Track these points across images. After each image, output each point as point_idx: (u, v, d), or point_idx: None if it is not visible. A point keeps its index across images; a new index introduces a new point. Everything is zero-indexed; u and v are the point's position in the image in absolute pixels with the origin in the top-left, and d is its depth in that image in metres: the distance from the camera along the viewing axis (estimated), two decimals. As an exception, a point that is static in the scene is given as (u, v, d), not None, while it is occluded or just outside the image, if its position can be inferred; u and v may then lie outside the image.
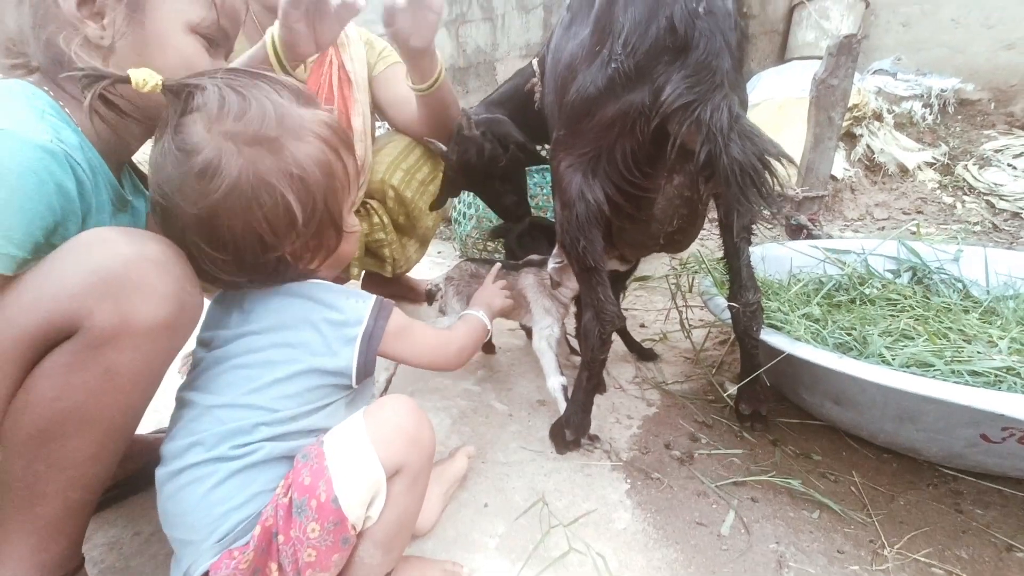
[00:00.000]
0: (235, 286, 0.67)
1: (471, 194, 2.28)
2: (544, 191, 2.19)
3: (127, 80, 0.57)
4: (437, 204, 1.48)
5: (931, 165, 2.86)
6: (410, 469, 0.64)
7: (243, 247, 0.62)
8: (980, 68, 3.12)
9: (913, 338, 1.03)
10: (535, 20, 4.07)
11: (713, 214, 1.06)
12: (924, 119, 3.01)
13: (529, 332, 1.33)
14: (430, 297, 1.30)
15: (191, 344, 0.69)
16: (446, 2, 1.08)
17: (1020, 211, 2.51)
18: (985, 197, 2.64)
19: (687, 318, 1.47)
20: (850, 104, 2.44)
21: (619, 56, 0.79)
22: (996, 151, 2.81)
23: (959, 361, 0.92)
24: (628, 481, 0.99)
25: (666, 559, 0.82)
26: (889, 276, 1.42)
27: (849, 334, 1.06)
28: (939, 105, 3.04)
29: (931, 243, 1.46)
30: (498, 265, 1.20)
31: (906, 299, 1.25)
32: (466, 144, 1.27)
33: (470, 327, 0.94)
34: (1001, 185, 2.64)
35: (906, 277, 1.42)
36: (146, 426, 0.77)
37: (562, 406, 1.08)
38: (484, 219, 2.28)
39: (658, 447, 1.08)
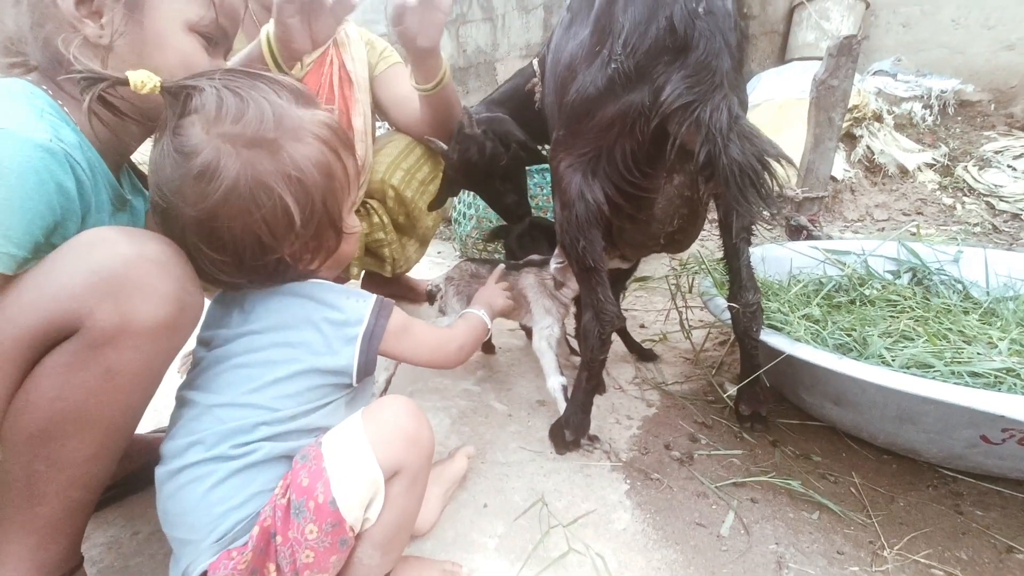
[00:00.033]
0: (235, 287, 0.67)
1: (471, 194, 2.29)
2: (544, 191, 2.19)
3: (125, 82, 0.57)
4: (437, 204, 1.48)
5: (931, 166, 2.86)
6: (409, 470, 0.64)
7: (242, 248, 0.62)
8: (980, 69, 3.12)
9: (913, 339, 1.03)
10: (535, 20, 4.07)
11: (713, 215, 1.06)
12: (924, 120, 3.01)
13: (529, 332, 1.33)
14: (430, 297, 1.30)
15: (191, 343, 0.69)
16: (447, 2, 1.09)
17: (1020, 212, 2.51)
18: (985, 198, 2.64)
19: (687, 319, 1.47)
20: (850, 105, 2.44)
21: (619, 56, 0.79)
22: (996, 152, 2.81)
23: (959, 362, 0.92)
24: (628, 482, 0.99)
25: (666, 560, 0.82)
26: (889, 277, 1.42)
27: (849, 335, 1.06)
28: (939, 106, 3.04)
29: (931, 244, 1.46)
30: (502, 266, 1.20)
31: (906, 300, 1.25)
32: (467, 142, 1.27)
33: (470, 326, 0.94)
34: (1001, 186, 2.64)
35: (906, 278, 1.42)
36: (145, 425, 0.77)
37: (562, 406, 1.08)
38: (484, 219, 2.28)
39: (658, 448, 1.08)
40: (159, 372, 0.63)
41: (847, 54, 1.79)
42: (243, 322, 0.66)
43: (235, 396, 0.62)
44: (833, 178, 2.66)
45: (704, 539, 0.85)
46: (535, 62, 1.34)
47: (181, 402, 0.66)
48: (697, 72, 0.74)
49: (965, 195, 2.71)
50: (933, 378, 0.87)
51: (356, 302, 0.69)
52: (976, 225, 2.50)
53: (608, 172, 0.89)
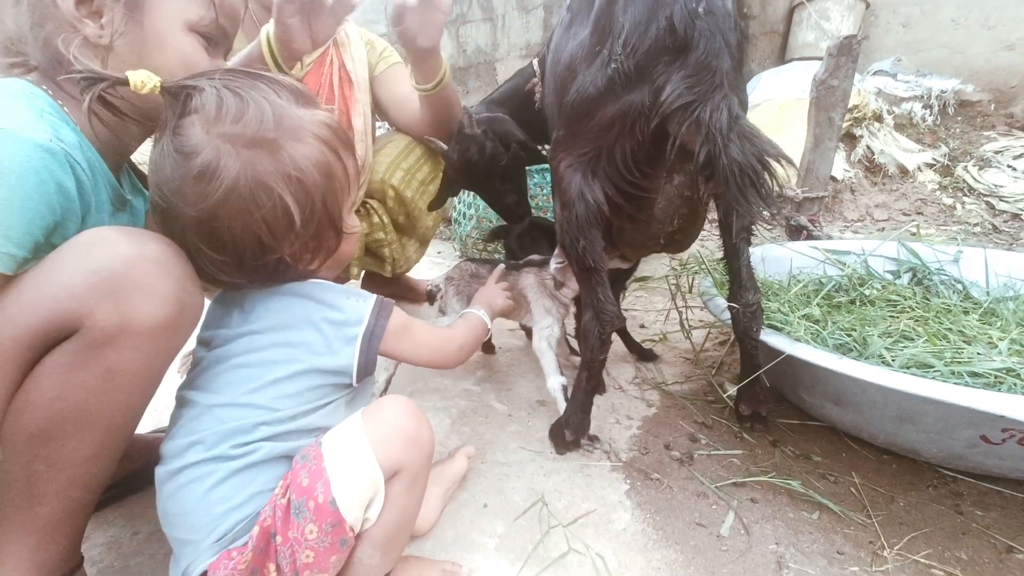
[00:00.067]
0: (235, 287, 0.67)
1: (471, 194, 2.29)
2: (544, 191, 2.19)
3: (125, 82, 0.57)
4: (437, 204, 1.48)
5: (931, 166, 2.86)
6: (409, 470, 0.64)
7: (242, 248, 0.62)
8: (980, 69, 3.12)
9: (913, 339, 1.03)
10: (535, 20, 4.07)
11: (713, 215, 1.06)
12: (924, 120, 3.01)
13: (529, 332, 1.33)
14: (431, 297, 1.30)
15: (191, 343, 0.69)
16: (447, 2, 1.10)
17: (1020, 212, 2.51)
18: (985, 198, 2.64)
19: (687, 319, 1.47)
20: (850, 105, 2.44)
21: (619, 56, 0.79)
22: (996, 152, 2.81)
23: (959, 362, 0.92)
24: (628, 482, 0.99)
25: (665, 560, 0.81)
26: (889, 277, 1.42)
27: (849, 335, 1.06)
28: (939, 106, 3.04)
29: (931, 244, 1.46)
30: (501, 266, 1.20)
31: (906, 300, 1.25)
32: (467, 142, 1.27)
33: (470, 325, 0.94)
34: (1001, 186, 2.64)
35: (906, 278, 1.42)
36: (145, 425, 0.77)
37: (562, 406, 1.08)
38: (484, 219, 2.28)
39: (658, 448, 1.08)
40: (159, 372, 0.63)
41: (847, 54, 1.79)
42: (243, 322, 0.66)
43: (235, 396, 0.62)
44: (833, 178, 2.66)
45: (704, 539, 0.85)
46: (535, 62, 1.34)
47: (181, 402, 0.66)
48: (697, 72, 0.74)
49: (965, 195, 2.71)
50: (933, 378, 0.87)
51: (356, 302, 0.69)
52: (976, 225, 2.50)
53: (608, 172, 0.89)
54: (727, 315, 1.04)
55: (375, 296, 0.71)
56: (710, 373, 1.35)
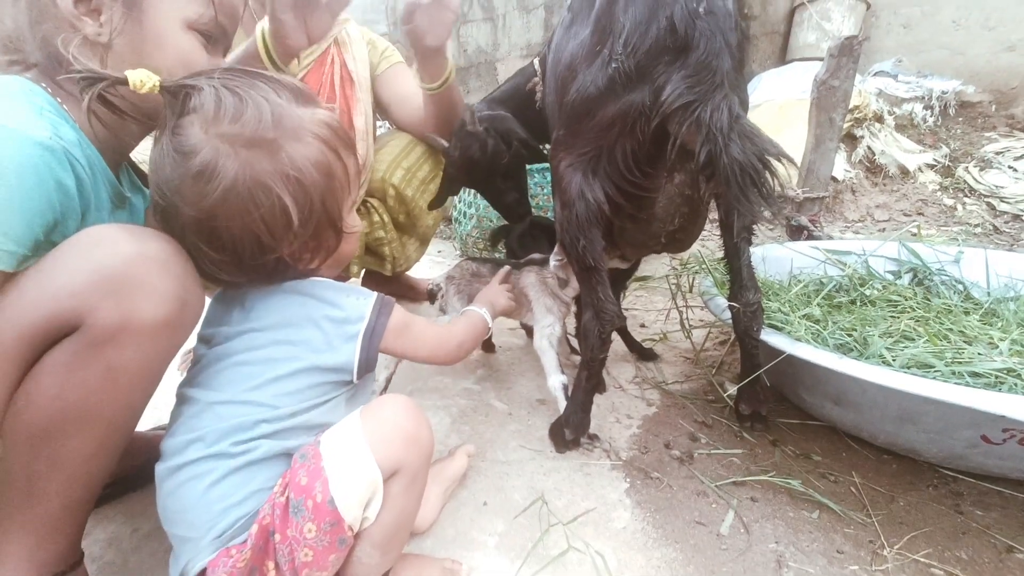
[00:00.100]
0: (236, 286, 0.67)
1: (472, 193, 2.29)
2: (545, 191, 2.20)
3: (125, 82, 0.57)
4: (437, 202, 1.48)
5: (932, 167, 2.86)
6: (408, 469, 0.64)
7: (241, 248, 0.62)
8: (981, 70, 3.12)
9: (914, 339, 1.03)
10: (536, 20, 4.07)
11: (714, 214, 1.06)
12: (925, 121, 3.01)
13: (530, 331, 1.33)
14: (432, 296, 1.30)
15: (191, 341, 0.69)
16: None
17: (1021, 213, 2.51)
18: (986, 199, 2.64)
19: (687, 318, 1.47)
20: (851, 106, 2.44)
21: (619, 56, 0.79)
22: (997, 153, 2.81)
23: (960, 362, 0.92)
24: (627, 480, 0.99)
25: (665, 558, 0.82)
26: (890, 277, 1.42)
27: (850, 335, 1.06)
28: (940, 107, 3.04)
29: (932, 245, 1.46)
30: (507, 268, 1.20)
31: (907, 300, 1.25)
32: (469, 139, 1.27)
33: (471, 323, 0.94)
34: (1002, 187, 2.64)
35: (907, 278, 1.42)
36: (145, 423, 0.77)
37: (562, 405, 1.08)
38: (484, 219, 2.28)
39: (658, 447, 1.08)
40: (159, 370, 0.63)
41: (848, 55, 1.79)
42: (244, 320, 0.66)
43: (235, 393, 0.62)
44: (834, 178, 2.66)
45: (704, 538, 0.85)
46: (536, 61, 1.34)
47: (181, 399, 0.66)
48: (698, 72, 0.74)
49: (966, 196, 2.71)
50: (934, 378, 0.87)
51: (357, 300, 0.69)
52: (977, 226, 2.50)
53: (608, 171, 0.89)
54: (728, 314, 1.04)
55: (376, 294, 0.72)
56: (710, 372, 1.35)
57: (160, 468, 0.62)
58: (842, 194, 2.80)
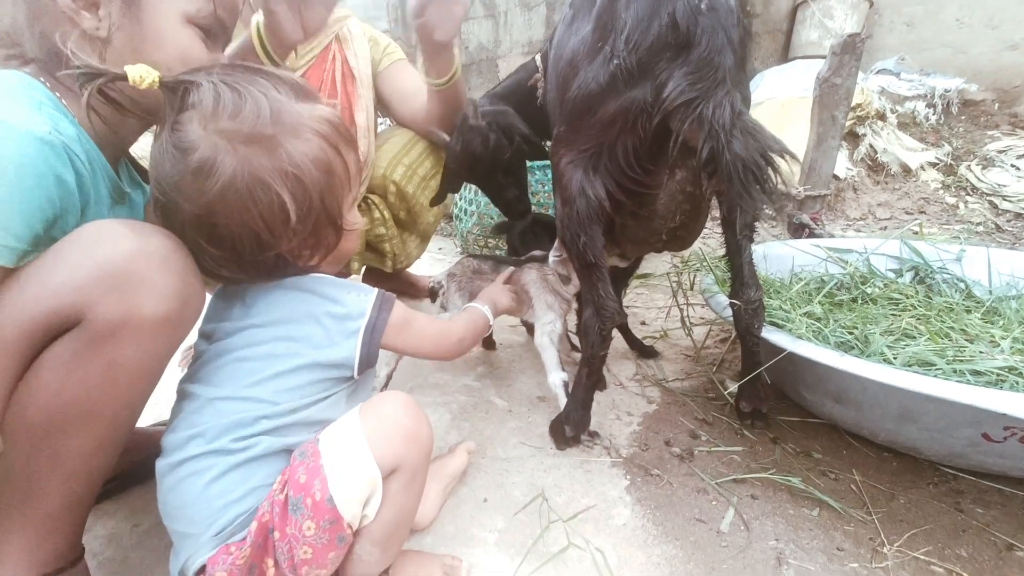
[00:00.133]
0: (236, 282, 0.67)
1: (473, 191, 2.29)
2: (545, 188, 2.19)
3: (124, 77, 0.56)
4: (438, 199, 1.48)
5: (934, 165, 2.85)
6: (407, 467, 0.64)
7: (241, 245, 0.61)
8: (984, 68, 3.11)
9: (915, 337, 1.03)
10: (537, 17, 4.06)
11: (715, 212, 1.06)
12: (927, 119, 3.00)
13: (530, 328, 1.32)
14: (433, 294, 1.30)
15: (192, 337, 0.69)
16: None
17: (1023, 212, 2.50)
18: (988, 198, 2.64)
19: (688, 316, 1.47)
20: (853, 103, 2.44)
21: (621, 52, 0.79)
22: (999, 152, 2.80)
23: (961, 360, 0.92)
24: (628, 477, 0.99)
25: (665, 555, 0.82)
26: (891, 276, 1.41)
27: (851, 333, 1.06)
28: (942, 105, 3.03)
29: (933, 243, 1.46)
30: (512, 268, 1.20)
31: (908, 298, 1.25)
32: (471, 134, 1.27)
33: (472, 319, 0.94)
34: (1004, 186, 2.63)
35: (908, 277, 1.41)
36: (146, 419, 0.77)
37: (562, 402, 1.08)
38: (485, 216, 2.28)
39: (658, 444, 1.08)
40: (160, 366, 0.63)
41: (851, 52, 1.79)
42: (245, 316, 0.66)
43: (236, 389, 0.62)
44: (836, 176, 2.66)
45: (704, 535, 0.85)
46: (538, 58, 1.33)
47: (182, 395, 0.66)
48: (699, 69, 0.74)
49: (968, 194, 2.70)
50: (935, 376, 0.87)
51: (358, 296, 0.69)
52: (979, 224, 2.50)
53: (610, 168, 0.88)
54: (729, 312, 1.04)
55: (376, 290, 0.71)
56: (711, 370, 1.35)
57: (160, 464, 0.62)
58: (844, 192, 2.79)
